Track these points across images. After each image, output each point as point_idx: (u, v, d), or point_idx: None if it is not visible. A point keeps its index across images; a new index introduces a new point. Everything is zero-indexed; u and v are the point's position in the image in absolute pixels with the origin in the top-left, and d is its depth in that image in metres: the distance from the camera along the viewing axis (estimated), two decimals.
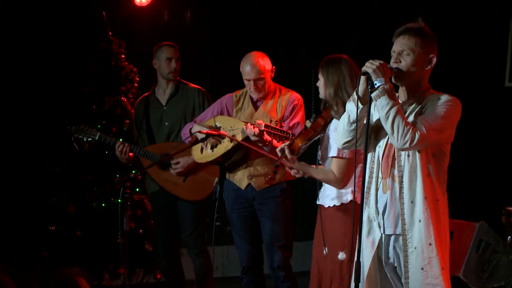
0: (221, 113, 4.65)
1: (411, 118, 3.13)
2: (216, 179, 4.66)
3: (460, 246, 4.83)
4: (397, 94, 3.21)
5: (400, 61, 3.15)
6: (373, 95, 3.07)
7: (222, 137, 4.45)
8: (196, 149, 4.62)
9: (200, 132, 4.46)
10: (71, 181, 5.71)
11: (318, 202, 3.92)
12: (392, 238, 3.21)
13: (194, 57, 5.20)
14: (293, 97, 4.56)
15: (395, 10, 6.13)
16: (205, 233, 5.01)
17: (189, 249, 5.03)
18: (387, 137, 3.21)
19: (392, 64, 3.16)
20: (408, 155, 3.14)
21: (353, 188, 3.76)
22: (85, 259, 5.59)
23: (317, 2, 6.56)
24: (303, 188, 4.60)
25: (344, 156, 3.71)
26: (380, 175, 3.23)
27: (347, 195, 3.78)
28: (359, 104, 3.14)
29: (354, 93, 3.18)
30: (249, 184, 4.54)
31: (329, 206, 3.83)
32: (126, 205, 4.49)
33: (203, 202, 4.92)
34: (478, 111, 5.88)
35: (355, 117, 3.17)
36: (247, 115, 4.57)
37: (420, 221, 3.11)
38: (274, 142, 4.21)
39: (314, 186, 3.96)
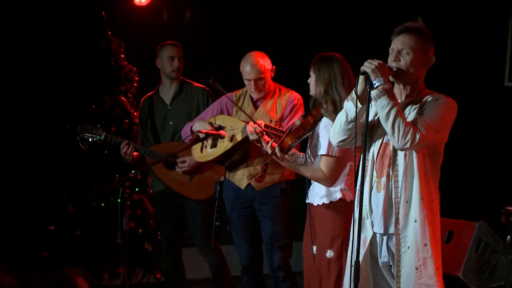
0: (221, 113, 4.65)
1: (409, 118, 3.14)
2: (223, 178, 4.67)
3: (459, 246, 4.83)
4: None
5: (399, 60, 3.15)
6: (372, 95, 3.07)
7: (221, 137, 4.46)
8: (196, 148, 4.62)
9: (200, 131, 4.47)
10: (71, 181, 5.71)
11: (307, 201, 3.93)
12: (386, 237, 3.22)
13: (193, 57, 5.19)
14: (293, 97, 4.56)
15: (395, 10, 6.12)
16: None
17: (200, 249, 5.04)
18: (382, 136, 3.22)
19: (391, 62, 3.16)
20: (405, 155, 3.15)
21: (342, 186, 3.77)
22: (85, 259, 5.59)
23: (317, 2, 6.56)
24: (303, 188, 4.59)
25: (333, 154, 3.73)
26: (374, 173, 3.23)
27: (336, 193, 3.79)
28: (358, 103, 3.15)
29: (353, 92, 3.18)
30: (249, 184, 4.54)
31: (318, 205, 3.83)
32: (126, 205, 4.48)
33: (209, 201, 4.92)
34: (477, 111, 5.88)
35: (353, 116, 3.18)
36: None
37: (415, 221, 3.11)
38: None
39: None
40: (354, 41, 6.51)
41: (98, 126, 5.58)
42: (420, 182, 3.12)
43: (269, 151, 3.85)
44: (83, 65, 5.92)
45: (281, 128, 4.11)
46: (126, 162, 5.04)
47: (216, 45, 6.66)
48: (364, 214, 3.23)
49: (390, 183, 3.18)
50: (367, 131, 3.12)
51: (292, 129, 3.78)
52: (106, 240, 5.58)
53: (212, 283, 5.12)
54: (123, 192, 4.44)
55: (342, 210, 3.77)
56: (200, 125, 4.52)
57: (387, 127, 3.07)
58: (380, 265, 3.27)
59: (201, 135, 4.45)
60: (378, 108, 3.08)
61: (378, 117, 3.16)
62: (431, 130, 3.07)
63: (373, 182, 3.23)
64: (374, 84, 3.06)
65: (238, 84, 4.67)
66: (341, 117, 3.26)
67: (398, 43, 3.16)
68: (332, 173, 3.76)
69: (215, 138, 4.50)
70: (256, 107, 4.60)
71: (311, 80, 3.85)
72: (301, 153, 3.97)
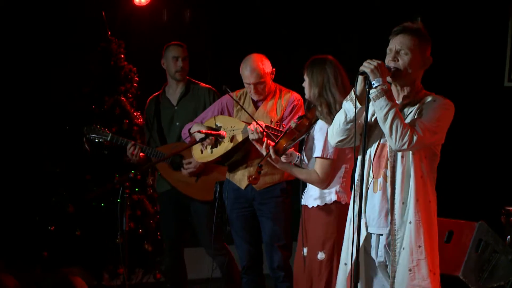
0: (222, 113, 4.66)
1: (407, 120, 3.14)
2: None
3: (459, 246, 4.83)
4: None
5: (397, 60, 3.15)
6: (371, 95, 3.07)
7: (221, 137, 4.46)
8: (196, 148, 4.62)
9: (199, 132, 4.46)
10: (71, 181, 5.71)
11: (301, 203, 3.93)
12: (382, 237, 3.22)
13: (193, 57, 5.20)
14: (293, 97, 4.56)
15: (395, 10, 6.12)
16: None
17: (208, 249, 5.04)
18: (379, 137, 3.22)
19: (389, 62, 3.16)
20: (402, 156, 3.15)
21: (337, 188, 3.78)
22: (85, 259, 5.59)
23: (317, 2, 6.56)
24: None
25: (328, 156, 3.74)
26: (371, 174, 3.23)
27: (331, 196, 3.80)
28: (357, 103, 3.15)
29: (352, 92, 3.18)
30: (249, 184, 4.54)
31: (312, 207, 3.84)
32: (126, 205, 4.48)
33: (215, 202, 4.92)
34: (477, 111, 5.88)
35: (352, 116, 3.17)
36: (247, 115, 4.57)
37: (410, 222, 3.12)
38: None
39: None
40: (354, 41, 6.51)
41: (98, 126, 5.59)
42: (417, 183, 3.12)
43: (264, 153, 3.85)
44: (83, 65, 5.92)
45: (280, 129, 4.11)
46: (126, 162, 5.03)
47: (216, 45, 6.66)
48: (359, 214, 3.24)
49: (387, 184, 3.18)
50: (366, 131, 3.12)
51: (287, 132, 3.79)
52: (106, 240, 5.58)
53: (221, 282, 5.13)
54: (123, 192, 4.45)
55: (336, 212, 3.78)
56: (197, 127, 4.53)
57: (385, 128, 3.07)
58: (377, 265, 3.27)
59: (200, 136, 4.45)
60: (377, 109, 3.08)
61: (375, 118, 3.17)
62: (428, 131, 3.07)
63: (369, 182, 3.24)
64: (373, 84, 3.06)
65: (238, 84, 4.67)
66: (340, 117, 3.26)
67: (397, 43, 3.16)
68: (327, 175, 3.77)
69: (215, 138, 4.50)
70: (256, 107, 4.60)
71: (305, 83, 3.87)
72: (298, 153, 3.97)
